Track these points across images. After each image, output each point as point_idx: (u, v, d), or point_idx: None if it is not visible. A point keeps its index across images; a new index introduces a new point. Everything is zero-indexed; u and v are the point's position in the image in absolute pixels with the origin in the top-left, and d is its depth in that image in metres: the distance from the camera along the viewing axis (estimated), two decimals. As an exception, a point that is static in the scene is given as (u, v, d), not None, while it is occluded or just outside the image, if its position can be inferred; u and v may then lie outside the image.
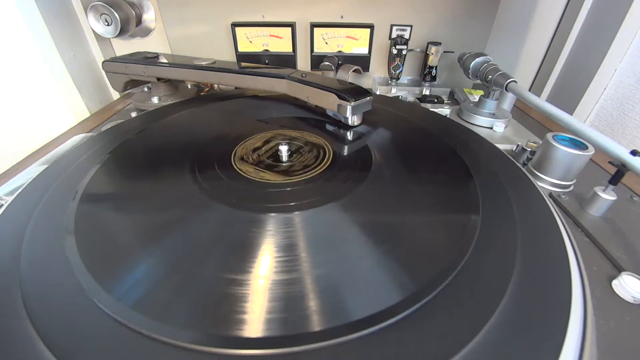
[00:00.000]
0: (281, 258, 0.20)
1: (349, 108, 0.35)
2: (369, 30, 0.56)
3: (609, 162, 0.27)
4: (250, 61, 0.58)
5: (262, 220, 0.23)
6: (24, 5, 0.45)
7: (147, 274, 0.19)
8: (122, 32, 0.53)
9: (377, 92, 0.58)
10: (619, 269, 0.23)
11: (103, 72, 0.51)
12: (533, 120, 0.52)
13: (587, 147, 0.30)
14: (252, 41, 0.57)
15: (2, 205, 0.25)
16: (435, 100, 0.55)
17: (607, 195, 0.28)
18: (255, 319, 0.16)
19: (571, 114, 0.48)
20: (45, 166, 0.30)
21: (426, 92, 0.58)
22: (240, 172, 0.29)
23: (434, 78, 0.58)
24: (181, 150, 0.32)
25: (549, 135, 0.32)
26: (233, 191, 0.26)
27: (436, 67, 0.57)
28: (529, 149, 0.37)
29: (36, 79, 0.49)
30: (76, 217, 0.23)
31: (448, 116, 0.48)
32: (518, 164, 0.31)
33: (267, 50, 0.58)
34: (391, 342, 0.15)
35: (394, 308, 0.16)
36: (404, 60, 0.56)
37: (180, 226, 0.23)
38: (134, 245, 0.22)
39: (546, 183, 0.32)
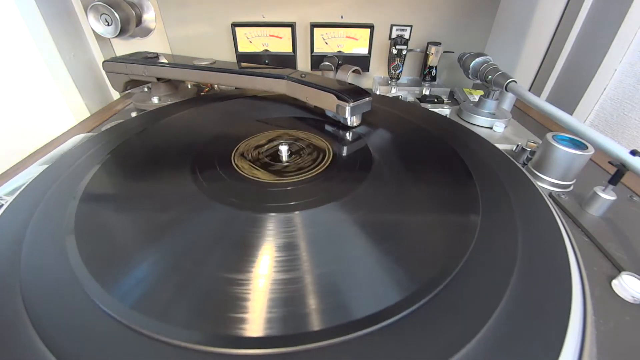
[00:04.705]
0: (281, 258, 0.20)
1: (347, 109, 0.34)
2: (369, 30, 0.56)
3: (609, 162, 0.27)
4: (250, 61, 0.58)
5: (262, 220, 0.23)
6: (24, 5, 0.45)
7: (147, 274, 0.19)
8: (122, 32, 0.53)
9: (377, 92, 0.58)
10: (618, 269, 0.23)
11: (103, 72, 0.51)
12: (533, 120, 0.52)
13: (587, 147, 0.30)
14: (252, 41, 0.57)
15: (2, 205, 0.25)
16: (435, 100, 0.55)
17: (607, 195, 0.28)
18: (255, 319, 0.16)
19: (571, 114, 0.48)
20: (45, 166, 0.30)
21: (426, 92, 0.58)
22: (240, 172, 0.29)
23: (434, 78, 0.58)
24: (181, 151, 0.32)
25: (549, 135, 0.32)
26: (233, 191, 0.26)
27: (436, 67, 0.57)
28: (529, 149, 0.37)
29: (36, 79, 0.49)
30: (76, 217, 0.23)
31: (448, 116, 0.48)
32: (518, 164, 0.31)
33: (267, 50, 0.58)
34: (391, 341, 0.15)
35: (394, 308, 0.16)
36: (404, 60, 0.56)
37: (180, 226, 0.23)
38: (134, 245, 0.22)
39: (546, 183, 0.32)
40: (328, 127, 0.37)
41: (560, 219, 0.24)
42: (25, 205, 0.25)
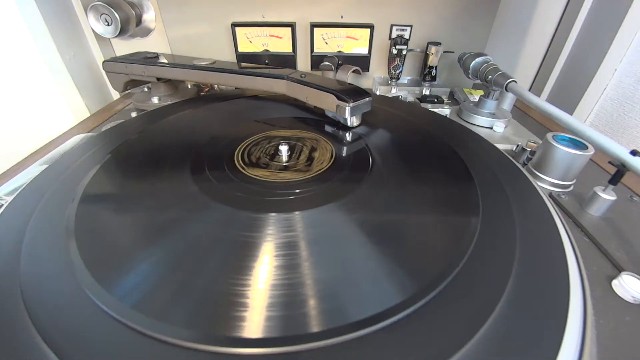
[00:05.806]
0: (281, 258, 0.20)
1: (347, 109, 0.34)
2: (369, 30, 0.56)
3: (609, 162, 0.27)
4: (250, 61, 0.58)
5: (262, 220, 0.23)
6: (24, 5, 0.45)
7: (148, 274, 0.19)
8: (122, 32, 0.53)
9: (377, 92, 0.58)
10: (619, 269, 0.23)
11: (103, 72, 0.51)
12: (533, 120, 0.52)
13: (587, 147, 0.30)
14: (252, 41, 0.57)
15: (2, 205, 0.25)
16: (435, 100, 0.55)
17: (607, 195, 0.28)
18: (255, 319, 0.16)
19: (571, 114, 0.48)
20: (45, 166, 0.30)
21: (426, 92, 0.58)
22: (240, 172, 0.29)
23: (434, 78, 0.58)
24: (181, 151, 0.32)
25: (549, 135, 0.32)
26: (233, 191, 0.26)
27: (436, 67, 0.57)
28: (529, 149, 0.37)
29: (36, 79, 0.49)
30: (76, 217, 0.23)
31: (448, 116, 0.48)
32: (518, 164, 0.31)
33: (267, 50, 0.58)
34: (391, 341, 0.15)
35: (394, 308, 0.16)
36: (404, 60, 0.56)
37: (180, 226, 0.23)
38: (135, 245, 0.22)
39: (546, 183, 0.32)
40: (328, 127, 0.37)
41: (560, 219, 0.24)
42: (25, 206, 0.25)
